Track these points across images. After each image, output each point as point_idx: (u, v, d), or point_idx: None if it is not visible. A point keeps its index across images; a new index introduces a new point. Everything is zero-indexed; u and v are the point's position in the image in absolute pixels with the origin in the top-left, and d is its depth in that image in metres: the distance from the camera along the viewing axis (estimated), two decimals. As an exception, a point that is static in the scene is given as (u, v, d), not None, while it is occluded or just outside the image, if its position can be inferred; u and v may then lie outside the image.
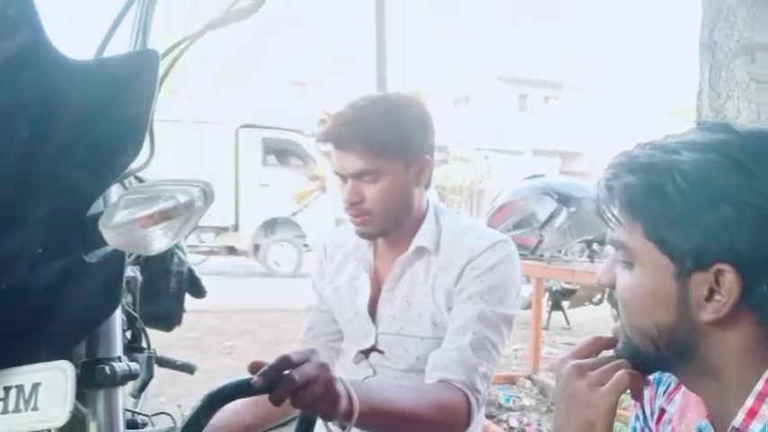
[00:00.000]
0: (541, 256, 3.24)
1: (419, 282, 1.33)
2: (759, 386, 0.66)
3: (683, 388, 0.78)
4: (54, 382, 0.64)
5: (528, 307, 4.83)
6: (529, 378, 3.73)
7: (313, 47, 23.00)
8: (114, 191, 0.78)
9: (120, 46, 0.87)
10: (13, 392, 0.64)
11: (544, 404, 3.57)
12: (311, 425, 1.04)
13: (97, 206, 0.70)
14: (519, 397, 3.60)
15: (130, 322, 1.58)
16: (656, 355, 0.71)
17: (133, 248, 0.65)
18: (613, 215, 0.71)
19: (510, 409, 3.46)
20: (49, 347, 0.68)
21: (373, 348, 1.38)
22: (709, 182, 0.65)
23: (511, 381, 3.77)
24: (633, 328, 0.72)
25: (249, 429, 1.34)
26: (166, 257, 1.82)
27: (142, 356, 1.53)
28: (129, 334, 1.53)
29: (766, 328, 0.67)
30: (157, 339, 2.07)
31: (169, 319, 1.98)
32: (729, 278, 0.64)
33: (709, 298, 0.66)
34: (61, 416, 0.63)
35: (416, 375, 1.33)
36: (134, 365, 0.77)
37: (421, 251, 1.34)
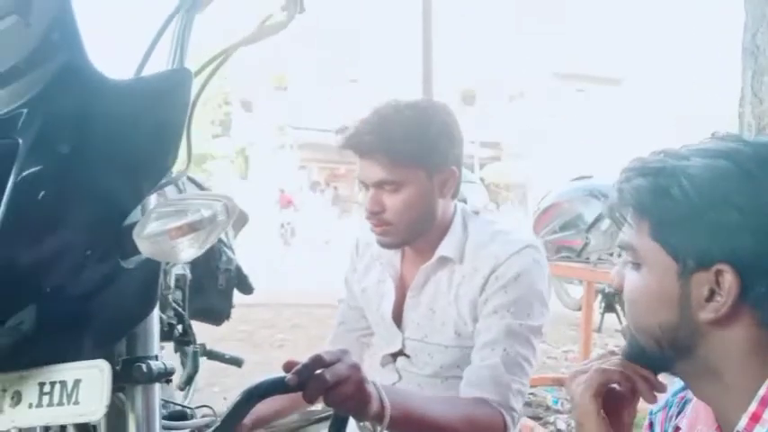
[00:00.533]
0: (587, 258, 3.19)
1: (442, 290, 1.33)
2: (762, 391, 0.67)
3: (694, 401, 0.79)
4: (93, 379, 0.69)
5: (579, 308, 4.78)
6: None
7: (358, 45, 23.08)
8: (152, 200, 0.84)
9: (161, 63, 0.93)
10: (57, 387, 0.70)
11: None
12: (344, 424, 1.07)
13: (135, 215, 0.76)
14: (567, 399, 3.56)
15: (180, 317, 1.67)
16: (659, 355, 0.73)
17: (163, 257, 0.70)
18: (623, 217, 0.74)
19: (558, 412, 3.43)
20: (89, 346, 0.74)
21: (400, 353, 1.40)
22: (714, 185, 0.67)
23: (559, 383, 3.73)
24: (638, 328, 0.74)
25: (278, 414, 1.38)
26: (215, 256, 1.89)
27: (189, 351, 1.60)
28: (179, 328, 1.61)
29: (766, 331, 0.68)
30: (210, 331, 2.16)
31: (218, 315, 2.06)
32: (729, 278, 0.66)
33: (709, 298, 0.68)
34: (99, 410, 0.68)
35: (441, 382, 1.35)
36: (169, 363, 0.82)
37: (444, 260, 1.33)
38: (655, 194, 0.70)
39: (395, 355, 1.42)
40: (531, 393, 3.67)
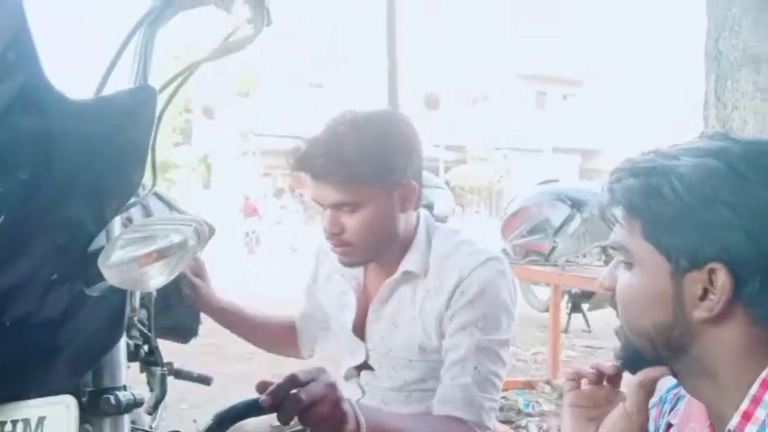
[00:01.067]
0: (555, 261, 3.23)
1: (406, 305, 1.30)
2: (753, 390, 0.68)
3: (687, 398, 0.79)
4: (58, 416, 0.66)
5: (546, 309, 4.83)
6: (548, 383, 3.71)
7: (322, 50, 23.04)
8: (116, 223, 0.81)
9: (123, 81, 0.90)
10: (20, 426, 0.67)
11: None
12: None
13: (100, 240, 0.73)
14: (538, 402, 3.58)
15: (146, 338, 1.62)
16: (653, 355, 0.73)
17: (131, 286, 0.67)
18: (614, 217, 0.75)
19: (529, 415, 3.45)
20: (54, 380, 0.70)
21: (365, 365, 1.38)
22: (705, 184, 0.68)
23: (530, 386, 3.75)
24: (632, 329, 0.74)
25: None
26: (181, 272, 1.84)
27: (156, 372, 1.56)
28: (146, 348, 1.56)
29: (760, 329, 0.68)
30: (179, 346, 2.11)
31: (186, 332, 2.00)
32: (722, 277, 0.66)
33: (703, 297, 0.68)
34: (65, 449, 0.65)
35: (405, 397, 1.33)
36: (138, 393, 0.79)
37: (408, 275, 1.30)
38: (646, 194, 0.71)
39: (359, 369, 1.40)
40: (503, 397, 3.67)
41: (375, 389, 1.38)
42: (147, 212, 1.89)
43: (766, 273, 0.66)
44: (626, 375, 0.81)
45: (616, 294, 0.76)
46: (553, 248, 3.15)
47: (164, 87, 0.85)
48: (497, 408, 1.25)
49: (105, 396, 0.75)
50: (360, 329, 1.38)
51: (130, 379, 1.80)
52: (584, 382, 0.81)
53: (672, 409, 0.83)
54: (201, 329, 2.05)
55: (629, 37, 24.08)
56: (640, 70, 24.00)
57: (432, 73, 23.80)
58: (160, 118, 0.87)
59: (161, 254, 0.64)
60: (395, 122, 1.26)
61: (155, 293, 1.65)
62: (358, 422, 1.01)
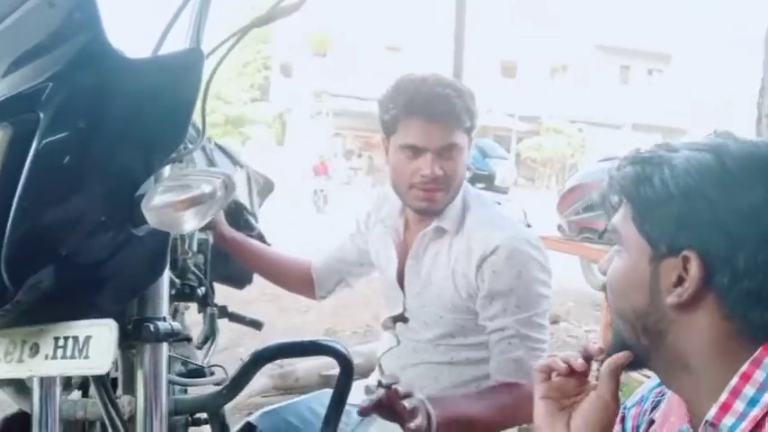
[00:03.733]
0: (610, 240, 3.18)
1: (439, 263, 1.39)
2: (733, 382, 0.70)
3: (669, 396, 0.81)
4: (102, 336, 0.76)
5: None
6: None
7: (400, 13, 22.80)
8: (166, 172, 0.90)
9: (179, 43, 0.97)
10: (70, 342, 0.77)
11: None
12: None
13: (147, 186, 0.81)
14: (586, 379, 3.58)
15: (200, 280, 1.74)
16: (636, 343, 0.77)
17: (168, 227, 0.76)
18: (612, 204, 0.79)
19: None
20: (101, 306, 0.80)
21: (401, 317, 1.47)
22: (692, 176, 0.71)
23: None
24: (615, 312, 0.79)
25: None
26: (238, 222, 1.95)
27: (207, 312, 1.68)
28: (201, 290, 1.69)
29: (731, 324, 0.71)
30: (240, 294, 2.24)
31: (240, 279, 2.14)
32: (694, 265, 0.70)
33: (677, 284, 0.72)
34: (105, 365, 0.75)
35: (434, 348, 1.42)
36: (176, 324, 0.88)
37: (440, 231, 1.39)
38: (638, 182, 0.74)
39: (395, 320, 1.49)
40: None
41: (408, 340, 1.48)
42: (211, 163, 2.01)
43: (737, 268, 0.68)
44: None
45: (606, 277, 0.80)
46: (607, 227, 3.11)
47: (214, 50, 0.92)
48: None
49: (146, 324, 0.85)
50: (400, 281, 1.47)
51: (190, 318, 1.94)
52: (554, 374, 0.83)
53: (654, 408, 0.86)
54: (262, 280, 2.17)
55: (721, 12, 22.75)
56: (731, 47, 22.69)
57: (510, 41, 23.23)
58: (211, 77, 0.95)
59: (193, 201, 0.72)
60: (462, 84, 1.41)
61: (212, 240, 1.77)
62: (429, 417, 1.12)
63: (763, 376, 0.68)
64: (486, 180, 4.70)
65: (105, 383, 0.98)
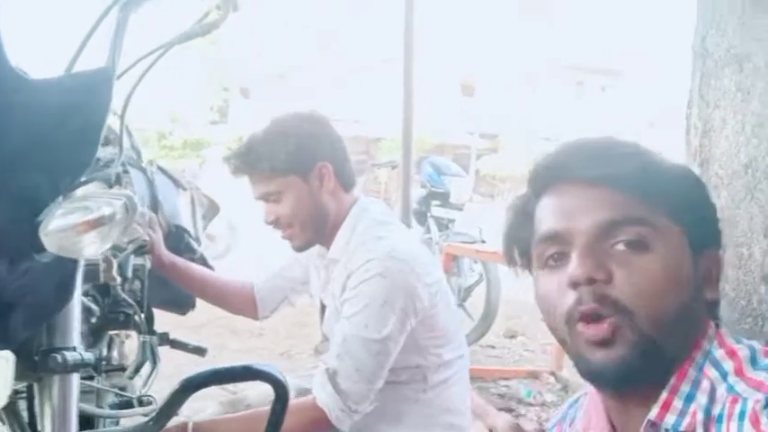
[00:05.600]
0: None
1: (335, 289, 1.43)
2: (672, 380, 0.69)
3: (585, 406, 0.81)
4: (-2, 368, 0.72)
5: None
6: (552, 374, 3.72)
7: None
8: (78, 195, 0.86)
9: (97, 63, 0.94)
10: (-36, 374, 0.73)
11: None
12: None
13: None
14: (540, 393, 3.60)
15: (140, 307, 1.70)
16: (672, 350, 0.70)
17: (67, 252, 0.72)
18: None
19: (530, 404, 3.47)
20: (2, 336, 0.76)
21: (322, 343, 1.49)
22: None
23: (534, 375, 3.77)
24: (655, 320, 0.68)
25: None
26: (179, 246, 1.91)
27: (140, 340, 1.63)
28: (140, 317, 1.64)
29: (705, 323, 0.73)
30: (193, 319, 2.18)
31: (182, 304, 2.09)
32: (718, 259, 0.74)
33: (708, 277, 0.73)
34: (2, 397, 0.71)
35: None
36: (87, 355, 0.85)
37: (334, 262, 1.43)
38: (656, 168, 0.72)
39: (319, 347, 1.52)
40: (505, 386, 3.70)
41: None
42: (152, 185, 1.97)
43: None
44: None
45: (628, 283, 0.68)
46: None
47: (128, 69, 0.89)
48: (367, 391, 1.32)
49: (53, 354, 0.81)
50: (321, 309, 1.50)
51: (129, 346, 1.89)
52: None
53: (571, 423, 0.85)
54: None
55: (669, 27, 23.52)
56: (679, 61, 23.42)
57: (468, 61, 23.58)
58: (129, 97, 0.93)
59: (91, 224, 0.69)
60: (298, 121, 1.44)
61: (149, 266, 1.73)
62: None
63: (695, 374, 0.69)
64: (441, 197, 4.71)
65: (18, 416, 0.94)
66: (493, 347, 4.46)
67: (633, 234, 0.69)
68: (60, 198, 0.77)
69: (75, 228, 0.69)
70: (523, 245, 0.77)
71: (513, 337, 4.56)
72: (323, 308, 1.52)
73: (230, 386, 3.37)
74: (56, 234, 0.70)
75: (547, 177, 0.75)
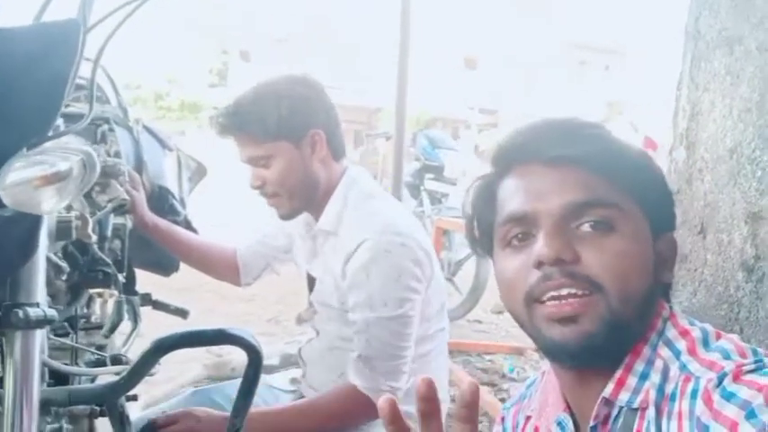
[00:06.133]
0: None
1: (329, 263, 1.40)
2: (627, 358, 0.70)
3: (541, 386, 0.81)
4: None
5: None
6: (537, 350, 3.75)
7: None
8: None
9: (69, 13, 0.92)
10: None
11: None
12: None
13: (14, 165, 0.76)
14: (524, 368, 3.63)
15: (120, 267, 1.69)
16: (637, 327, 0.71)
17: (24, 207, 0.71)
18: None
19: (513, 380, 3.50)
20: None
21: (309, 312, 1.48)
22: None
23: (518, 352, 3.80)
24: (624, 299, 0.68)
25: None
26: (162, 207, 1.90)
27: (118, 300, 1.62)
28: (122, 277, 1.63)
29: (659, 304, 0.74)
30: (183, 282, 2.17)
31: (165, 266, 2.08)
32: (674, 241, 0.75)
33: (663, 261, 0.74)
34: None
35: (341, 341, 1.41)
36: (50, 311, 0.84)
37: (324, 233, 1.40)
38: (617, 150, 0.73)
39: (304, 316, 1.51)
40: (489, 360, 3.74)
41: (324, 331, 1.47)
42: (137, 145, 1.95)
43: None
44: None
45: (599, 263, 0.68)
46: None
47: (98, 22, 0.87)
48: (402, 368, 1.33)
49: (15, 310, 0.80)
50: (308, 278, 1.47)
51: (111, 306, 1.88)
52: None
53: (528, 402, 0.86)
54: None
55: (673, 6, 23.28)
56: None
57: (472, 34, 23.34)
58: (100, 53, 0.91)
59: (48, 179, 0.68)
60: (292, 84, 1.37)
61: (130, 225, 1.72)
62: None
63: (649, 353, 0.69)
64: (435, 171, 4.70)
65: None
66: (480, 322, 4.50)
67: (600, 215, 0.69)
68: (24, 151, 0.76)
69: (32, 182, 0.68)
70: (485, 225, 0.77)
71: (500, 312, 4.58)
72: (310, 278, 1.50)
73: (215, 349, 3.39)
74: (11, 188, 0.68)
75: (511, 157, 0.75)
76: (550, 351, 0.71)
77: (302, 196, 1.38)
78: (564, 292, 0.68)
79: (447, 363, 1.61)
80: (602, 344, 0.68)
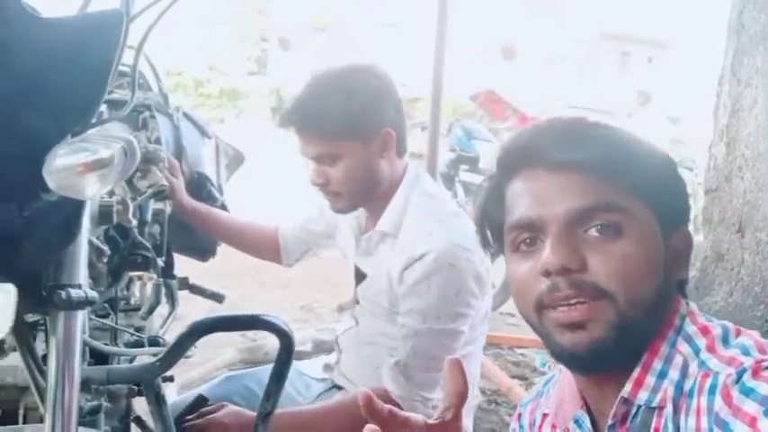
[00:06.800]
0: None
1: (384, 264, 1.37)
2: (644, 357, 0.70)
3: (558, 383, 0.81)
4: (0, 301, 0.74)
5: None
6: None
7: None
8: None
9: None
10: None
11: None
12: None
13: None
14: (555, 363, 3.61)
15: (159, 251, 1.73)
16: (645, 330, 0.70)
17: (68, 192, 0.74)
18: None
19: (544, 374, 3.49)
20: (9, 270, 0.78)
21: (353, 303, 1.48)
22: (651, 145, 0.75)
23: (551, 345, 3.77)
24: (631, 303, 0.68)
25: None
26: (200, 193, 1.94)
27: (157, 284, 1.67)
28: (161, 261, 1.68)
29: (676, 300, 0.74)
30: (225, 267, 2.21)
31: (203, 250, 2.13)
32: (690, 237, 0.74)
33: (677, 257, 0.73)
34: (3, 329, 0.73)
35: (382, 336, 1.43)
36: (92, 293, 0.87)
37: (383, 235, 1.36)
38: (627, 149, 0.72)
39: (348, 305, 1.50)
40: (521, 354, 3.72)
41: (364, 323, 1.48)
42: (177, 131, 1.99)
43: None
44: None
45: (605, 268, 0.68)
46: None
47: (140, 12, 0.89)
48: (437, 379, 1.30)
49: (59, 291, 0.83)
50: (355, 271, 1.47)
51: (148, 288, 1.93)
52: None
53: (547, 400, 0.86)
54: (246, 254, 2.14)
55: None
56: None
57: (508, 25, 23.06)
58: (143, 41, 0.93)
59: (89, 166, 0.70)
60: (364, 77, 1.29)
61: (169, 211, 1.76)
62: None
63: (667, 350, 0.69)
64: (470, 162, 4.69)
65: (32, 349, 0.97)
66: (512, 315, 4.47)
67: (606, 220, 0.69)
68: (69, 138, 0.79)
69: (75, 168, 0.70)
70: (496, 226, 0.77)
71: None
72: (359, 272, 1.47)
73: (250, 334, 3.45)
74: (56, 173, 0.71)
75: (516, 160, 0.75)
76: (561, 357, 0.72)
77: (364, 196, 1.34)
78: (572, 301, 0.68)
79: (479, 365, 1.60)
80: (613, 349, 0.68)
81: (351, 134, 1.26)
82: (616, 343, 0.68)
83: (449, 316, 1.27)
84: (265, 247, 1.77)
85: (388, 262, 1.35)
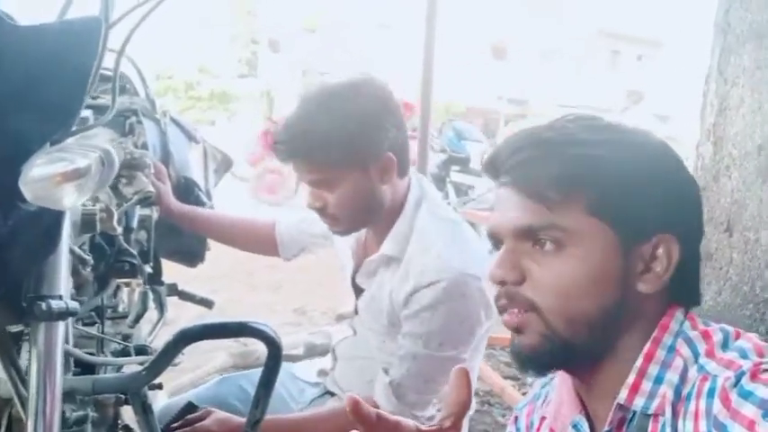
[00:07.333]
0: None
1: (385, 285, 1.33)
2: (639, 362, 0.69)
3: (557, 387, 0.80)
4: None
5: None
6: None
7: None
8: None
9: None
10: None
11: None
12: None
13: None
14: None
15: (146, 257, 1.71)
16: (585, 344, 0.71)
17: (46, 203, 0.73)
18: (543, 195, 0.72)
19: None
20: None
21: (353, 315, 1.47)
22: (641, 155, 0.74)
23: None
24: (568, 318, 0.70)
25: None
26: (188, 198, 1.92)
27: (143, 291, 1.65)
28: (148, 267, 1.66)
29: (667, 308, 0.72)
30: (214, 271, 2.19)
31: (191, 256, 2.11)
32: (674, 248, 0.71)
33: (645, 270, 0.71)
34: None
35: (379, 351, 1.41)
36: (73, 304, 0.86)
37: (388, 258, 1.30)
38: (590, 165, 0.71)
39: (347, 316, 1.49)
40: (514, 355, 3.71)
41: (362, 333, 1.47)
42: (164, 136, 1.98)
43: (695, 248, 0.74)
44: None
45: (540, 284, 0.70)
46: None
47: (119, 19, 0.88)
48: (431, 400, 1.30)
49: (39, 302, 0.82)
50: (354, 285, 1.45)
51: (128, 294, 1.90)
52: None
53: (543, 402, 0.85)
54: (238, 256, 2.12)
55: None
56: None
57: (500, 23, 23.10)
58: (123, 47, 0.92)
59: (67, 176, 0.69)
60: (361, 98, 1.20)
61: (156, 217, 1.74)
62: None
63: (664, 354, 0.69)
64: (460, 162, 4.69)
65: (14, 360, 0.96)
66: (504, 315, 4.47)
67: (547, 236, 0.70)
68: (48, 146, 0.78)
69: (52, 179, 0.69)
70: None
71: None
72: (356, 287, 1.43)
73: (241, 338, 3.44)
74: (33, 184, 0.70)
75: (488, 171, 0.78)
76: (511, 356, 0.75)
77: (364, 220, 1.29)
78: (508, 309, 0.73)
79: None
80: (549, 356, 0.71)
81: (348, 163, 1.20)
82: (551, 352, 0.70)
83: (451, 343, 1.24)
84: (261, 242, 1.73)
85: (391, 285, 1.31)
